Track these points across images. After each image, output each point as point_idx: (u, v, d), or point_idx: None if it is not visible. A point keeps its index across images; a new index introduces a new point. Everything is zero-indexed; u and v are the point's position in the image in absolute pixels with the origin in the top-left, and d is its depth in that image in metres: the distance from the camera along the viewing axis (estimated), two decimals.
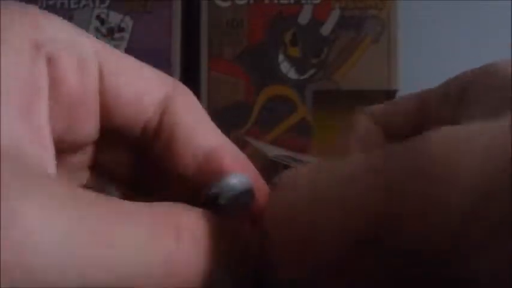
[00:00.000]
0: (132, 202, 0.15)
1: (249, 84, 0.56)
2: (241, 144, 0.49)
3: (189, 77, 0.57)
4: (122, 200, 0.15)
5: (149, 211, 0.15)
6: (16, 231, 0.12)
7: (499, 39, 0.58)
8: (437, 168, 0.13)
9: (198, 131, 0.19)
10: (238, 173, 0.18)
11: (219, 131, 0.20)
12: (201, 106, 0.20)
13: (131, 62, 0.19)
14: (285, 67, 0.56)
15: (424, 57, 0.61)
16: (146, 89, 0.19)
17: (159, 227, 0.15)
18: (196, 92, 0.56)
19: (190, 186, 0.19)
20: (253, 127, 0.55)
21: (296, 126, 0.56)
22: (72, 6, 0.57)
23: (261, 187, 0.19)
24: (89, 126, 0.18)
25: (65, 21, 0.17)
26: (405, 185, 0.13)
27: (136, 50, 0.56)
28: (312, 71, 0.56)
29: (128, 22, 0.57)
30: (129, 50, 0.57)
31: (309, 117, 0.55)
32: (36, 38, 0.16)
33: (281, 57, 0.56)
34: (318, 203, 0.15)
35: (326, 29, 0.56)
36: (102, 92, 0.18)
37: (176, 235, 0.15)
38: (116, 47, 0.57)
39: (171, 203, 0.16)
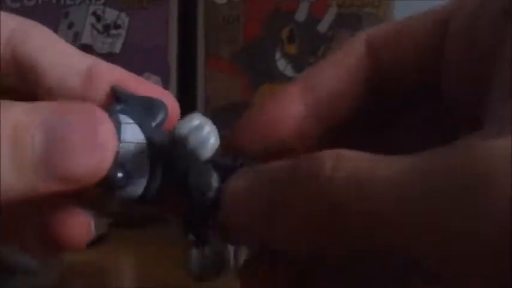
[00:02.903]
0: None
1: (246, 81, 0.56)
2: None
3: (186, 74, 0.56)
4: None
5: None
6: None
7: None
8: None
9: (65, 55, 0.20)
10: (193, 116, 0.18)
11: (81, 52, 0.21)
12: (57, 37, 0.21)
13: None
14: (282, 64, 0.56)
15: None
16: None
17: None
18: (193, 89, 0.56)
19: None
20: None
21: None
22: (68, 2, 0.57)
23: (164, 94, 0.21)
24: None
25: None
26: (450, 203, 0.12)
27: (133, 47, 0.56)
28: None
29: (124, 19, 0.57)
30: (125, 47, 0.56)
31: None
32: None
33: (278, 54, 0.56)
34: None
35: (323, 26, 0.56)
36: None
37: None
38: (112, 43, 0.57)
39: None
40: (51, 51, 0.20)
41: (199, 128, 0.18)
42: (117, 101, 0.19)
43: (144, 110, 0.19)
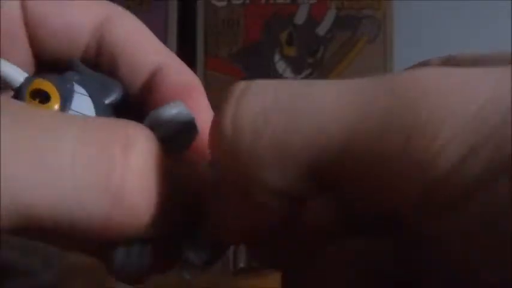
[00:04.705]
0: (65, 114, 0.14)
1: None
2: None
3: None
4: (50, 111, 0.14)
5: (86, 122, 0.13)
6: None
7: (496, 37, 0.58)
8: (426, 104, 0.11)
9: (140, 49, 0.19)
10: (178, 102, 0.16)
11: (164, 47, 0.19)
12: (143, 25, 0.20)
13: None
14: (281, 67, 0.56)
15: (420, 57, 0.61)
16: (77, 16, 0.18)
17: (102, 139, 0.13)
18: None
19: (137, 107, 0.18)
20: None
21: None
22: None
23: (206, 118, 0.17)
24: (21, 57, 0.18)
25: None
26: (387, 117, 0.11)
27: None
28: (307, 71, 0.56)
29: None
30: None
31: None
32: None
33: (277, 56, 0.56)
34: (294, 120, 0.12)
35: (322, 29, 0.56)
36: (29, 24, 0.18)
37: (123, 148, 0.13)
38: None
39: (115, 119, 0.14)
40: (131, 45, 0.19)
41: (175, 117, 0.16)
42: (76, 71, 0.18)
43: (99, 86, 0.18)
